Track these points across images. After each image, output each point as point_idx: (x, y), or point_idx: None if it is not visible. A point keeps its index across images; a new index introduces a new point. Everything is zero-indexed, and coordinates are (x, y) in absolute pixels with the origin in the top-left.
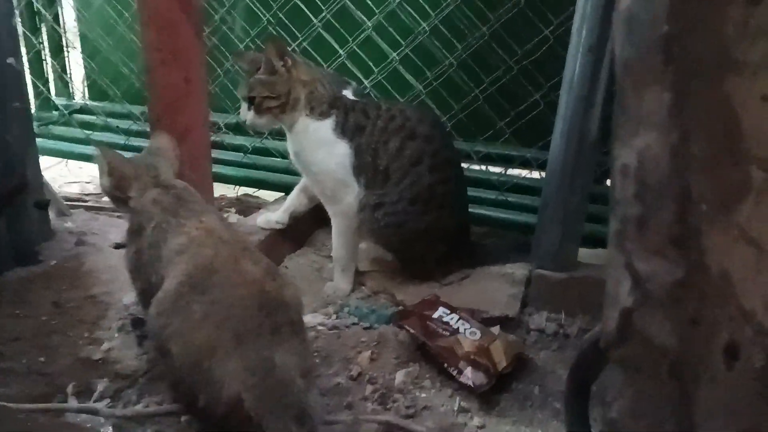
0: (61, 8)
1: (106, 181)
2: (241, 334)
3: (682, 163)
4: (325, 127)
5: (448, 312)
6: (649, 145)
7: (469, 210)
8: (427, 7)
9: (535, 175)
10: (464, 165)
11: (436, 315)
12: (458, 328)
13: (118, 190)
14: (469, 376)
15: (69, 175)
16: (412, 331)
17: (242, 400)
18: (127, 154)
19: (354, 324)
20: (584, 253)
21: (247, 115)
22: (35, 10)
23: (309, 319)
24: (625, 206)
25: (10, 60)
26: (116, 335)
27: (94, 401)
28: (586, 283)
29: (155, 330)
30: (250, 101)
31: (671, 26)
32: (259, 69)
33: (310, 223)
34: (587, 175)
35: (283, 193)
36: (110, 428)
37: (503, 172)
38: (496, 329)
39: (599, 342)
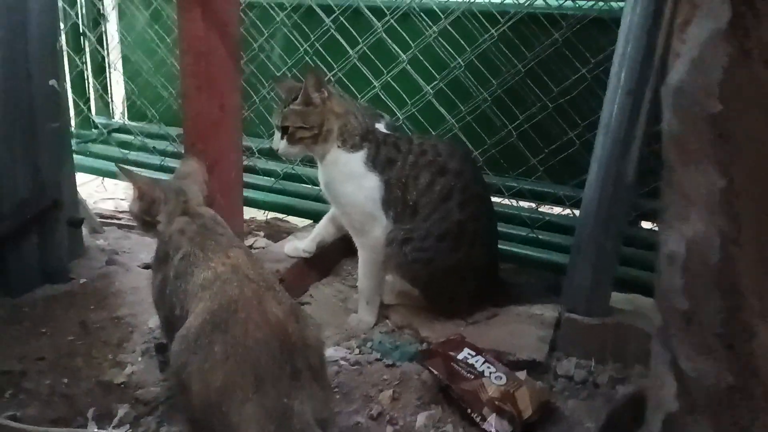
0: (106, 30)
1: (136, 205)
2: (261, 378)
3: (734, 253)
4: (357, 159)
5: (474, 353)
6: (698, 233)
7: (498, 246)
8: (463, 42)
9: (566, 212)
10: (494, 199)
11: (461, 356)
12: (483, 371)
13: (147, 215)
14: (492, 423)
15: (105, 192)
16: (435, 372)
17: None
18: (160, 175)
19: (377, 360)
20: (617, 298)
21: (279, 143)
22: (80, 30)
23: (331, 352)
24: (671, 298)
25: (52, 82)
26: (140, 359)
27: (114, 427)
28: (619, 330)
29: (176, 366)
30: (284, 130)
31: (724, 104)
32: (296, 98)
33: (336, 252)
34: (622, 219)
35: (312, 221)
36: None
37: (534, 208)
38: (522, 374)
39: (632, 401)
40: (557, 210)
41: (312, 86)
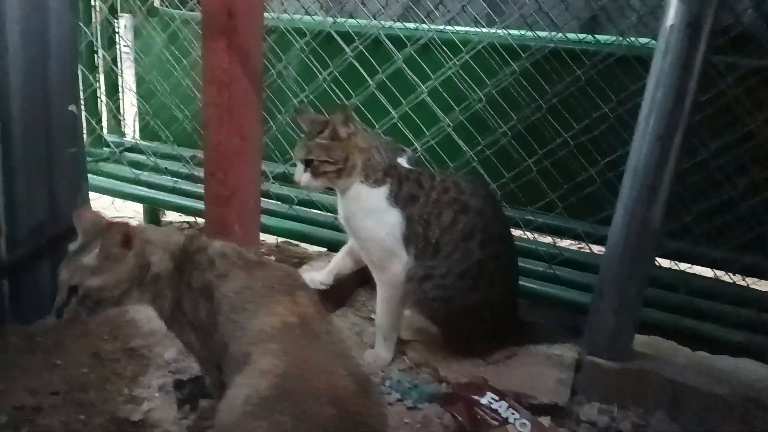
0: (120, 50)
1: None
2: None
3: None
4: (379, 194)
5: (497, 398)
6: None
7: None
8: (484, 76)
9: (585, 249)
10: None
11: (484, 401)
12: (507, 417)
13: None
14: None
15: (115, 212)
16: (459, 418)
17: None
18: (176, 197)
19: (398, 401)
20: (637, 340)
21: (302, 176)
22: (94, 49)
23: None
24: None
25: (72, 107)
26: (156, 395)
27: None
28: (642, 375)
29: (231, 426)
30: (307, 163)
31: None
32: (321, 132)
33: (351, 283)
34: (647, 264)
35: (326, 248)
36: None
37: (552, 243)
38: (546, 420)
39: None
40: (575, 246)
41: (340, 122)
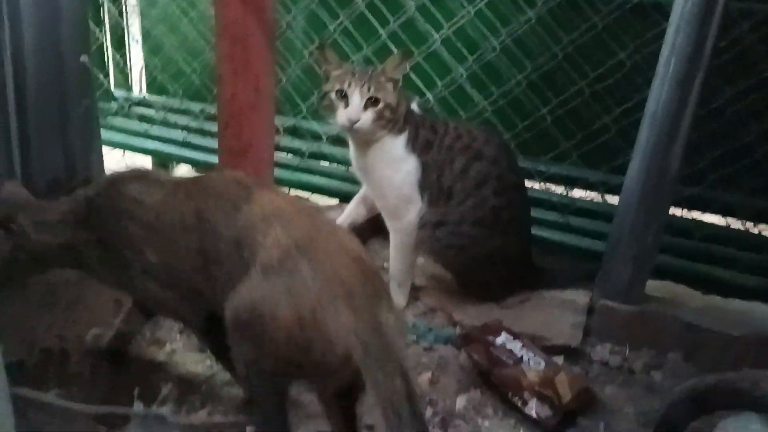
0: (126, 2)
1: None
2: (351, 292)
3: None
4: (400, 142)
5: (512, 339)
6: None
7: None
8: (498, 24)
9: (598, 198)
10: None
11: (499, 341)
12: (522, 356)
13: None
14: (534, 408)
15: (125, 165)
16: (475, 357)
17: (352, 356)
18: (186, 151)
19: (414, 342)
20: (650, 285)
21: (361, 115)
22: (100, 2)
23: None
24: None
25: (83, 58)
26: (177, 337)
27: (158, 406)
28: (655, 318)
29: (254, 301)
30: (370, 102)
31: None
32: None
33: (364, 234)
34: (664, 211)
35: (337, 200)
36: None
37: (565, 193)
38: (559, 359)
39: (691, 397)
40: (587, 195)
41: (397, 65)
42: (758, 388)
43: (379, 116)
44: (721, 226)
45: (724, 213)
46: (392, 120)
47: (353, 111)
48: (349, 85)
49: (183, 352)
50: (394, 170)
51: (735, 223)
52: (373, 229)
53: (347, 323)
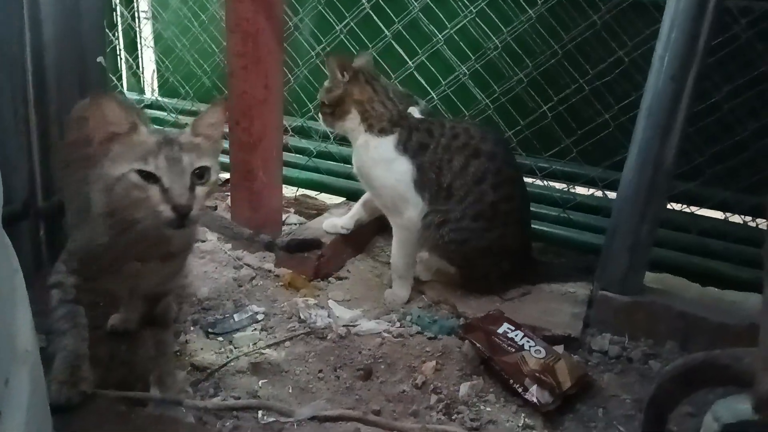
0: (138, 7)
1: None
2: None
3: None
4: (387, 144)
5: (513, 328)
6: None
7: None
8: (499, 23)
9: (598, 194)
10: (526, 180)
11: (501, 330)
12: (523, 345)
13: None
14: (534, 393)
15: None
16: (477, 345)
17: None
18: None
19: (418, 333)
20: (647, 277)
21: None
22: (113, 6)
23: (374, 325)
24: None
25: (100, 59)
26: (192, 328)
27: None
28: (652, 308)
29: None
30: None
31: None
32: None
33: (370, 231)
34: (660, 204)
35: (344, 198)
36: (192, 419)
37: (566, 189)
38: (559, 348)
39: (679, 376)
40: (586, 192)
41: (335, 68)
42: (740, 363)
43: (321, 112)
44: (718, 219)
45: (722, 209)
46: (331, 113)
47: None
48: None
49: (196, 342)
50: (385, 170)
51: (732, 218)
52: (378, 227)
53: None
